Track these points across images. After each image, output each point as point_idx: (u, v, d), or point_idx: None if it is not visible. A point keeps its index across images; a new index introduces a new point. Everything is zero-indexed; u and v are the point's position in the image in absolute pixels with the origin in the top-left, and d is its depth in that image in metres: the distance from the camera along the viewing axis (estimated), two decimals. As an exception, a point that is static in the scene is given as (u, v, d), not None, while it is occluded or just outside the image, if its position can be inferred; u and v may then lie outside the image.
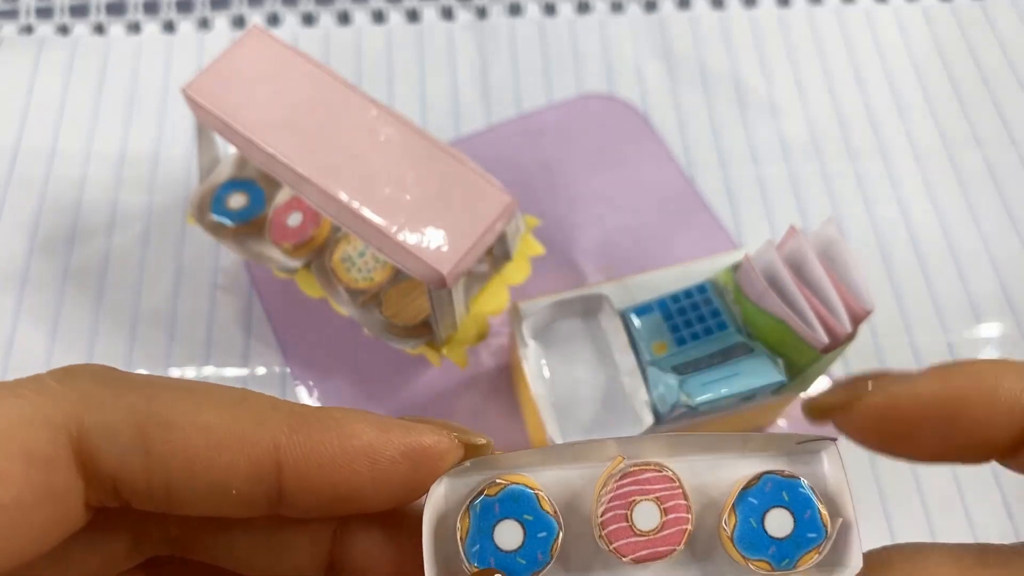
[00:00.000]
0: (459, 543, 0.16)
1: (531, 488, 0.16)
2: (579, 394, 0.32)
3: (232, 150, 0.37)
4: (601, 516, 0.16)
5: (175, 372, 0.38)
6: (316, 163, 0.31)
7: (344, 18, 0.48)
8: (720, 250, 0.40)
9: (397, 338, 0.35)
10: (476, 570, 0.15)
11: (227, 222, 0.36)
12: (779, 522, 0.16)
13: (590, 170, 0.43)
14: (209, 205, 0.37)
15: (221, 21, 0.48)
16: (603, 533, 0.16)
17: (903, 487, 0.36)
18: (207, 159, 0.37)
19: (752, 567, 0.16)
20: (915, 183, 0.43)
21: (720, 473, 0.16)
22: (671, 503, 0.16)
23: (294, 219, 0.36)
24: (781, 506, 0.16)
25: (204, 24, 0.48)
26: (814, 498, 0.16)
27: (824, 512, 0.16)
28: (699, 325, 0.31)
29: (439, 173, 0.31)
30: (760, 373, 0.30)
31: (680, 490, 0.16)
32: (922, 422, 0.16)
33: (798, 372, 0.30)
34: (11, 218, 0.42)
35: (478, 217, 0.30)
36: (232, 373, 0.38)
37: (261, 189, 0.37)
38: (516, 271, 0.35)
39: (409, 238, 0.30)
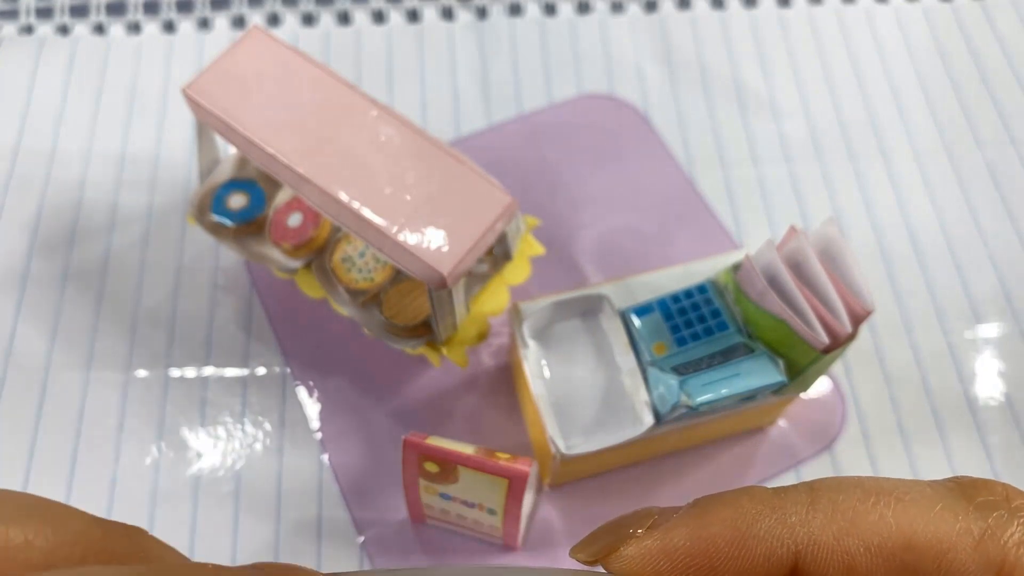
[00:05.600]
0: None
1: None
2: (579, 394, 0.32)
3: (232, 150, 0.37)
4: None
5: (175, 372, 0.38)
6: (316, 163, 0.31)
7: (344, 18, 0.48)
8: (720, 250, 0.40)
9: (397, 338, 0.35)
10: None
11: (227, 222, 0.36)
12: None
13: (590, 170, 0.43)
14: (209, 205, 0.37)
15: (221, 21, 0.48)
16: None
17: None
18: (207, 159, 0.37)
19: None
20: (915, 183, 0.43)
21: None
22: None
23: (294, 219, 0.36)
24: None
25: (204, 24, 0.48)
26: None
27: None
28: (699, 325, 0.31)
29: (439, 173, 0.31)
30: (760, 373, 0.30)
31: None
32: (678, 573, 0.15)
33: (798, 372, 0.30)
34: (11, 218, 0.42)
35: (478, 217, 0.30)
36: (232, 373, 0.38)
37: (261, 189, 0.37)
38: (516, 271, 0.35)
39: (409, 238, 0.30)
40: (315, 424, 0.37)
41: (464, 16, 0.48)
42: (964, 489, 0.15)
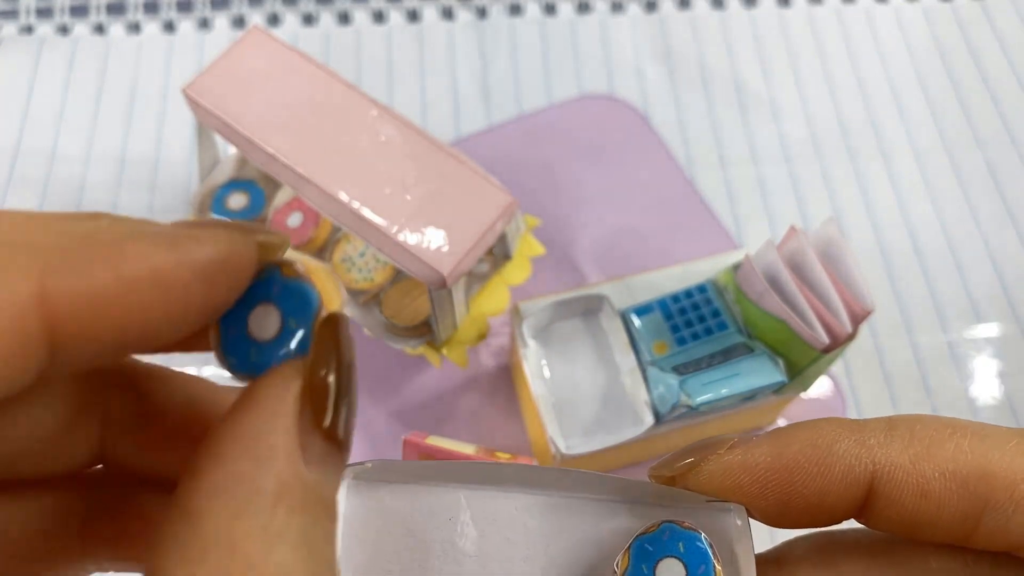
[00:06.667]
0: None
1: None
2: (579, 394, 0.32)
3: (232, 150, 0.37)
4: None
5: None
6: (316, 163, 0.31)
7: (344, 18, 0.48)
8: (720, 250, 0.40)
9: (397, 338, 0.35)
10: None
11: (227, 222, 0.36)
12: (670, 572, 0.15)
13: (590, 170, 0.43)
14: (209, 205, 0.37)
15: (221, 21, 0.48)
16: None
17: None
18: (207, 159, 0.37)
19: None
20: (915, 183, 0.43)
21: (627, 517, 0.16)
22: None
23: (294, 219, 0.36)
24: (675, 556, 0.15)
25: (204, 24, 0.48)
26: (711, 554, 0.15)
27: (719, 570, 0.15)
28: (699, 325, 0.31)
29: (439, 173, 0.31)
30: (760, 373, 0.30)
31: None
32: (758, 492, 0.16)
33: (798, 372, 0.30)
34: (11, 218, 0.42)
35: (478, 217, 0.30)
36: (232, 373, 0.38)
37: (261, 189, 0.37)
38: (516, 271, 0.35)
39: (409, 238, 0.30)
40: (315, 424, 0.37)
41: (464, 16, 0.48)
42: None
